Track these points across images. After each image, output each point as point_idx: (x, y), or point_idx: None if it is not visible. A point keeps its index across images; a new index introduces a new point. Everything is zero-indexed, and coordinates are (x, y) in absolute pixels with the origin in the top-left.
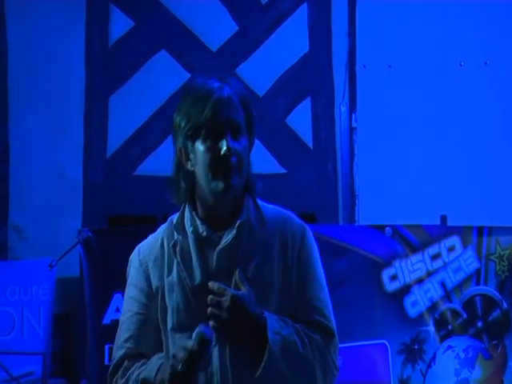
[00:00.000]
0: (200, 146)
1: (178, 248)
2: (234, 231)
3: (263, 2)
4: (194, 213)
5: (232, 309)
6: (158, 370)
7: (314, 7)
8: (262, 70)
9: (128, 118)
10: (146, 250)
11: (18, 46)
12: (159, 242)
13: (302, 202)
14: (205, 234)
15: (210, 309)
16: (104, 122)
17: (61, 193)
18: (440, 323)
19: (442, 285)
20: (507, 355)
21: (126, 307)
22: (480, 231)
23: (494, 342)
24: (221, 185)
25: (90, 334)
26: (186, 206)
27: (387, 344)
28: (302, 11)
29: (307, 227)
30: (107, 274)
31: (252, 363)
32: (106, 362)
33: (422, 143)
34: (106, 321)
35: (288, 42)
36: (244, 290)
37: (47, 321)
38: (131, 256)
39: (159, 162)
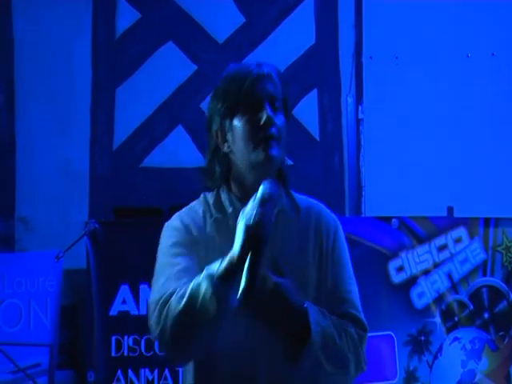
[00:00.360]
0: (238, 122)
1: (220, 226)
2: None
3: None
4: (231, 194)
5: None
6: (221, 263)
7: None
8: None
9: (134, 110)
10: (188, 218)
11: (24, 39)
12: (200, 213)
13: (309, 194)
14: None
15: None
16: (110, 114)
17: (67, 185)
18: (446, 314)
19: (449, 276)
20: None
21: (172, 263)
22: (487, 222)
23: (501, 334)
24: (261, 155)
25: (97, 326)
26: (221, 188)
27: (393, 335)
28: (309, 3)
29: (339, 221)
30: (114, 265)
31: (291, 353)
32: (113, 354)
33: (429, 135)
34: (113, 312)
35: (294, 34)
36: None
37: (54, 312)
38: (168, 224)
39: (166, 154)
